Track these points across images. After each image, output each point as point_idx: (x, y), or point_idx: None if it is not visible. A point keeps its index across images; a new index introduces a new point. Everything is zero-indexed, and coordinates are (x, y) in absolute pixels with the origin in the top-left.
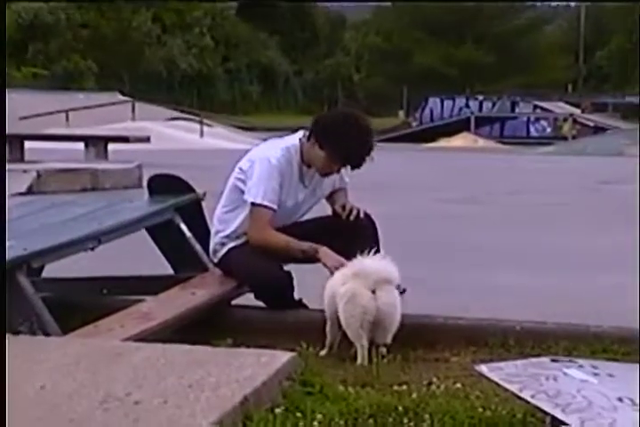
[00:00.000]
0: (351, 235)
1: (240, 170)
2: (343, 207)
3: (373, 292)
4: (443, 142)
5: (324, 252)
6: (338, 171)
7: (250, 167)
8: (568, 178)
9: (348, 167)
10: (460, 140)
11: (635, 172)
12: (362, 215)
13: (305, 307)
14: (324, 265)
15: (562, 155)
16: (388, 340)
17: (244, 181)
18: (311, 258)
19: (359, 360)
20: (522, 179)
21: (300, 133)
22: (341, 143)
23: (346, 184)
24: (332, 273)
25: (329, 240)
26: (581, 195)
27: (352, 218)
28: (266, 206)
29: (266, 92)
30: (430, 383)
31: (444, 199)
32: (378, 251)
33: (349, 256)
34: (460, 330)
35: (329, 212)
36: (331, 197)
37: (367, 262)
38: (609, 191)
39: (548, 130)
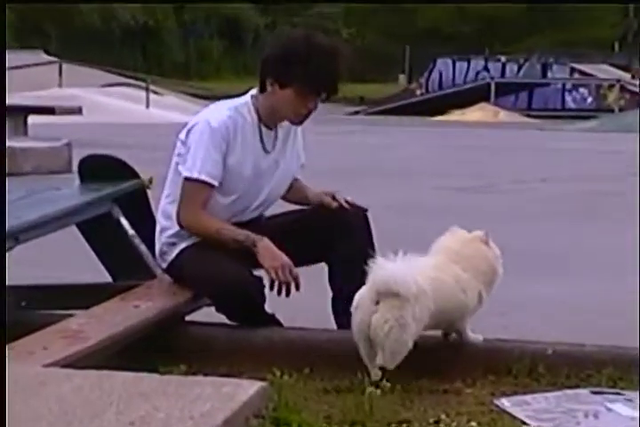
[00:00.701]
0: (342, 232)
1: (181, 144)
2: (333, 197)
3: (377, 303)
4: (455, 115)
5: (265, 247)
6: (315, 107)
7: (187, 137)
8: (616, 161)
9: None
10: (476, 113)
11: None
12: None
13: (279, 324)
14: (261, 264)
15: (607, 131)
16: (386, 364)
17: (184, 157)
18: (249, 252)
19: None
20: (556, 162)
21: (253, 92)
22: (308, 66)
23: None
24: (270, 276)
25: (309, 238)
26: (634, 182)
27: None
28: (202, 182)
29: (229, 51)
30: (438, 422)
31: (456, 188)
32: (370, 253)
33: (335, 258)
34: (477, 354)
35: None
36: (292, 189)
37: (380, 266)
38: None
39: (589, 100)
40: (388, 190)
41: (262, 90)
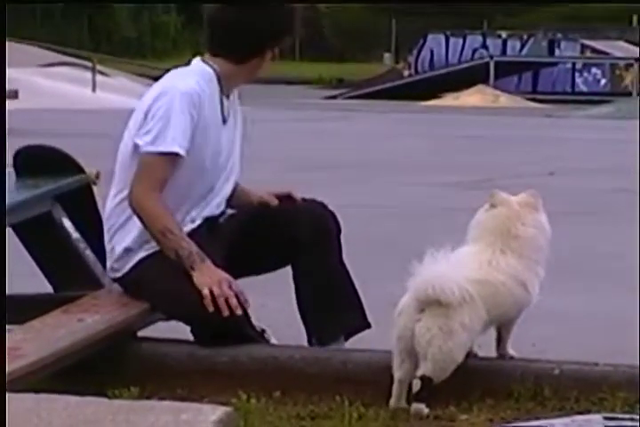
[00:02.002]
0: (307, 235)
1: (140, 127)
2: (288, 197)
3: (422, 311)
4: (448, 99)
5: (206, 269)
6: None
7: (149, 111)
8: (634, 153)
9: None
10: (473, 97)
11: None
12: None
13: (266, 341)
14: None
15: (623, 118)
16: (433, 374)
17: (145, 130)
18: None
19: (391, 401)
20: (565, 153)
21: (198, 59)
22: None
23: None
24: (202, 294)
25: (273, 243)
26: None
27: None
28: (167, 153)
29: (188, 26)
30: None
31: (450, 184)
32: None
33: (300, 266)
34: (473, 374)
35: None
36: (235, 194)
37: (420, 271)
38: None
39: (603, 81)
40: (371, 186)
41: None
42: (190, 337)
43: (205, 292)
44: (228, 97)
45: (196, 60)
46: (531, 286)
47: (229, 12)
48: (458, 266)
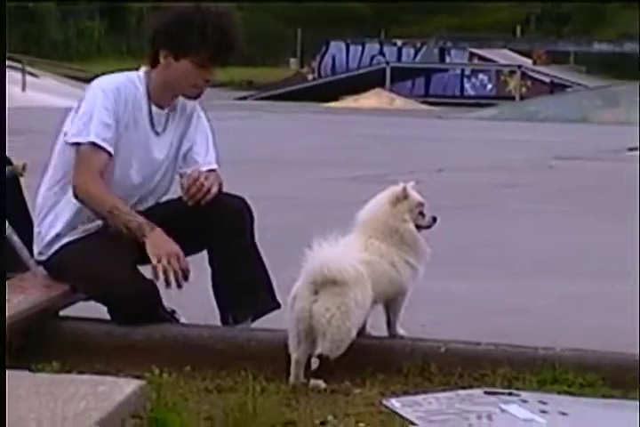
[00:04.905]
0: (223, 220)
1: (72, 124)
2: (195, 180)
3: (316, 293)
4: (348, 102)
5: (155, 237)
6: (212, 78)
7: (78, 108)
8: (515, 151)
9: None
10: (371, 100)
11: (603, 143)
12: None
13: (176, 320)
14: (150, 254)
15: (507, 120)
16: (330, 352)
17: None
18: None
19: (290, 379)
20: (453, 152)
21: (142, 69)
22: (206, 33)
23: (210, 163)
24: (154, 269)
25: (190, 227)
26: (533, 174)
27: (199, 193)
28: (97, 145)
29: (112, 31)
30: (324, 423)
31: (347, 178)
32: (251, 246)
33: (216, 249)
34: (366, 352)
35: None
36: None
37: (312, 255)
38: (569, 169)
39: (489, 86)
40: (277, 179)
41: (154, 64)
42: (107, 317)
43: (155, 263)
44: (162, 107)
45: (141, 69)
46: (401, 269)
47: (154, 20)
48: (345, 249)
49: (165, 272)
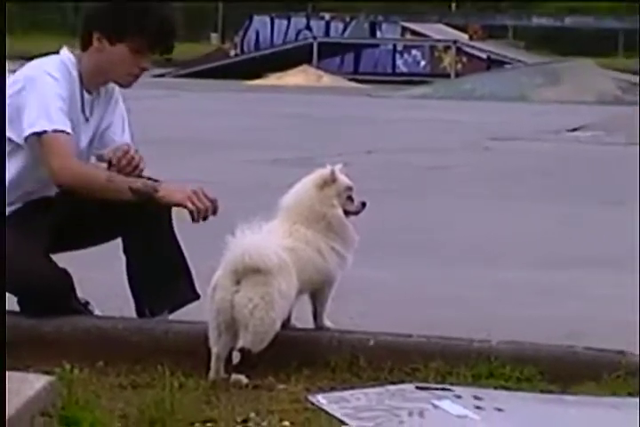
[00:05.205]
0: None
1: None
2: (125, 152)
3: (238, 282)
4: (272, 79)
5: (168, 185)
6: (148, 67)
7: (20, 102)
8: (449, 131)
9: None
10: (297, 77)
11: (543, 123)
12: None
13: (90, 312)
14: (176, 205)
15: (441, 98)
16: (252, 345)
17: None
18: (149, 201)
19: (210, 374)
20: (384, 132)
21: (65, 51)
22: (146, 18)
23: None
24: (191, 213)
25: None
26: (467, 156)
27: (129, 167)
28: (61, 131)
29: (22, 7)
30: (246, 420)
31: (270, 160)
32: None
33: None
34: (291, 345)
35: None
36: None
37: (233, 242)
38: (506, 151)
39: (423, 63)
40: (197, 162)
41: (85, 48)
42: (16, 308)
43: (190, 207)
44: (90, 92)
45: (63, 50)
46: (328, 256)
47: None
48: (268, 236)
49: (201, 212)
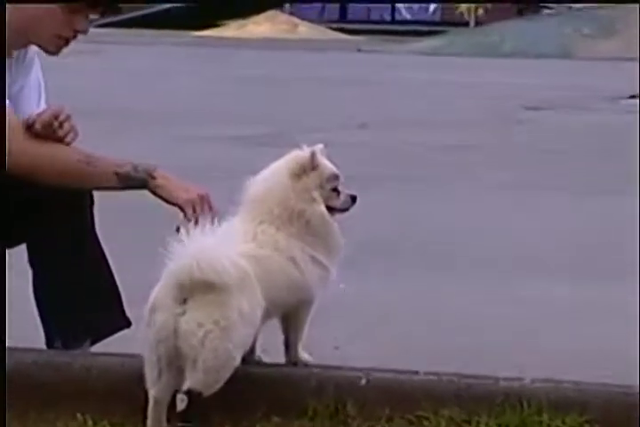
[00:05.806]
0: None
1: None
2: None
3: (184, 302)
4: (231, 29)
5: (165, 176)
6: (85, 30)
7: None
8: (470, 98)
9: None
10: (263, 26)
11: (593, 87)
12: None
13: None
14: (173, 204)
15: (457, 54)
16: (202, 386)
17: None
18: (141, 188)
19: (148, 424)
20: (381, 100)
21: None
22: None
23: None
24: (186, 213)
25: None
26: (495, 130)
27: (61, 131)
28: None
29: None
30: None
31: (229, 138)
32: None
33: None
34: (255, 386)
35: None
36: None
37: (180, 248)
38: (544, 124)
39: (432, 8)
40: (125, 141)
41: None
42: None
43: (190, 214)
44: (10, 56)
45: None
46: (305, 267)
47: None
48: (225, 240)
49: (197, 223)
